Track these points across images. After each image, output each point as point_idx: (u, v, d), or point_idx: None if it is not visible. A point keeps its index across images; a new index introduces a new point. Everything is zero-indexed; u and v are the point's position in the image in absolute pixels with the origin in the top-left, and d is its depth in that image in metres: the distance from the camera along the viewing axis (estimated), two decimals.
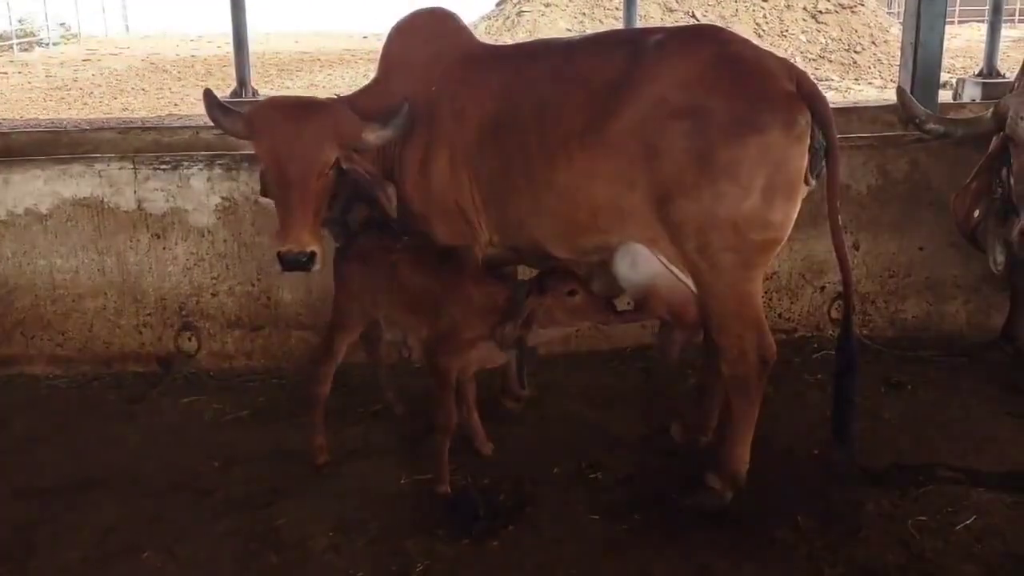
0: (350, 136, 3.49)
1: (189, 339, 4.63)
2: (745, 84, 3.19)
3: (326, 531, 3.33)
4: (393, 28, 3.79)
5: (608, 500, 3.50)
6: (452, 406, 3.51)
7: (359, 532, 3.33)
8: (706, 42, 3.32)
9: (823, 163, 3.26)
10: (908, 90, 4.41)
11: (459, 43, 3.71)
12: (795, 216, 3.28)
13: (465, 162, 3.53)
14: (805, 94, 3.21)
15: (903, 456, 3.76)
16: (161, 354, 4.63)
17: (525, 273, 3.88)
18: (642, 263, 3.41)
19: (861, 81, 20.08)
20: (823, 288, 4.82)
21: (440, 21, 3.76)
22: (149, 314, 4.59)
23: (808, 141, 3.19)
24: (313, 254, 3.41)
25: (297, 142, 3.40)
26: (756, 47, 3.41)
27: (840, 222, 3.35)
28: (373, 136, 3.53)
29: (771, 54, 3.39)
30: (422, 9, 3.82)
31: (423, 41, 3.71)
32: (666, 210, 3.24)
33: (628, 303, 3.65)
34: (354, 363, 4.21)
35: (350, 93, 3.90)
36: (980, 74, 5.69)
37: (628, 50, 3.35)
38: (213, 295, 4.60)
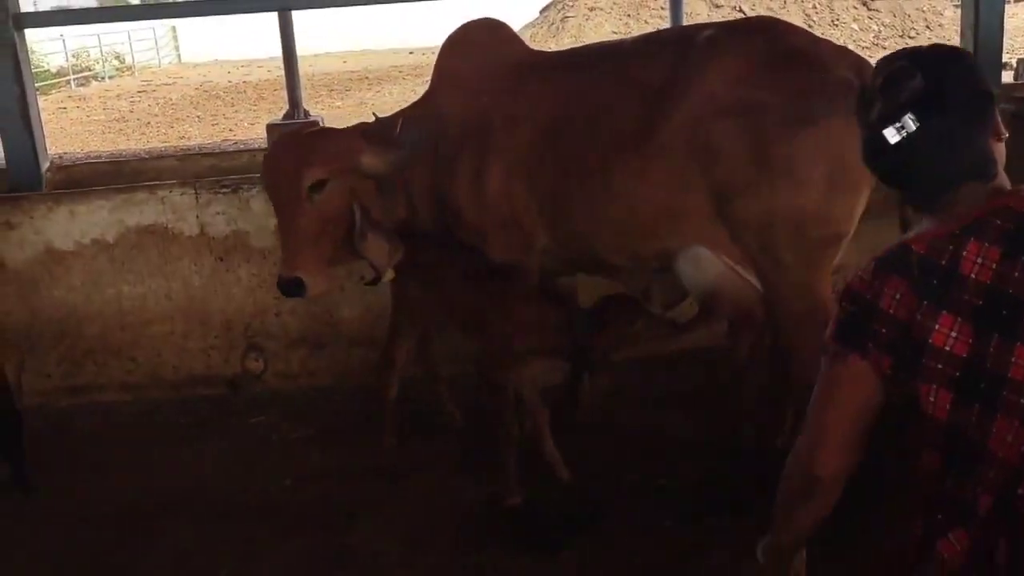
0: (340, 161, 3.46)
1: (255, 360, 4.68)
2: (799, 75, 3.12)
3: (397, 547, 3.34)
4: (446, 41, 3.80)
5: (679, 508, 3.45)
6: (511, 419, 3.48)
7: (430, 547, 3.33)
8: (758, 34, 3.27)
9: None
10: None
11: (511, 52, 3.71)
12: (861, 209, 3.19)
13: (520, 172, 3.51)
14: (864, 79, 3.12)
15: None
16: (228, 376, 4.69)
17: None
18: (706, 264, 3.35)
19: None
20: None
21: (492, 31, 3.77)
22: (216, 337, 4.66)
23: None
24: (297, 281, 3.40)
25: (277, 169, 3.50)
26: (813, 36, 3.33)
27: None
28: (374, 160, 3.47)
29: (829, 43, 3.31)
30: (474, 20, 3.82)
31: (475, 52, 3.71)
32: (725, 210, 3.19)
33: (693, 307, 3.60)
34: (419, 377, 4.24)
35: (401, 109, 3.91)
36: None
37: (678, 48, 3.31)
38: (276, 315, 4.65)
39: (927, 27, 23.10)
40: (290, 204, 3.45)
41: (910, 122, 1.70)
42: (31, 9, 4.83)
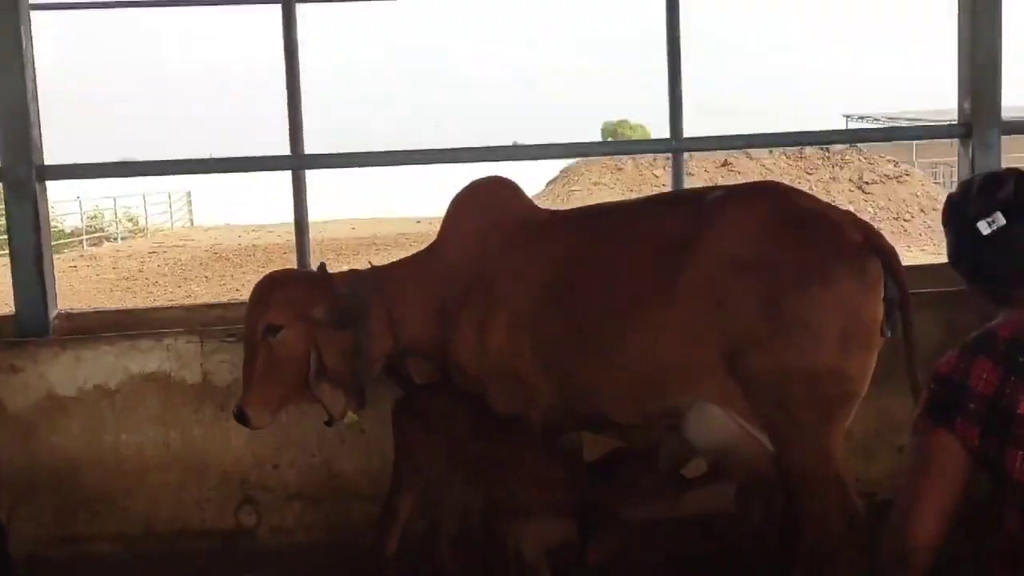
0: (295, 309, 3.57)
1: (249, 514, 4.57)
2: (811, 234, 3.17)
3: None
4: (455, 196, 3.88)
5: None
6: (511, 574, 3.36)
7: None
8: (767, 195, 3.35)
9: (898, 316, 3.19)
10: None
11: (519, 209, 3.78)
12: (872, 369, 3.19)
13: (524, 327, 3.51)
14: (874, 244, 3.19)
15: None
16: (223, 530, 4.57)
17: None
18: (716, 426, 3.30)
19: (913, 248, 20.13)
20: (901, 448, 4.65)
21: (499, 189, 3.84)
22: (211, 489, 4.56)
23: (881, 290, 3.14)
24: (243, 412, 3.58)
25: (248, 308, 3.68)
26: (817, 199, 3.43)
27: (919, 376, 3.18)
28: (320, 314, 3.56)
29: (833, 205, 3.41)
30: (482, 178, 3.92)
31: (482, 208, 3.77)
32: (738, 365, 3.18)
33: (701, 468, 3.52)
34: (415, 533, 4.13)
35: (403, 259, 3.98)
36: None
37: (690, 206, 3.38)
38: (275, 467, 4.56)
39: (921, 210, 23.71)
40: (250, 342, 3.62)
41: (1000, 217, 2.05)
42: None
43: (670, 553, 4.23)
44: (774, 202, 3.30)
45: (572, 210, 4.12)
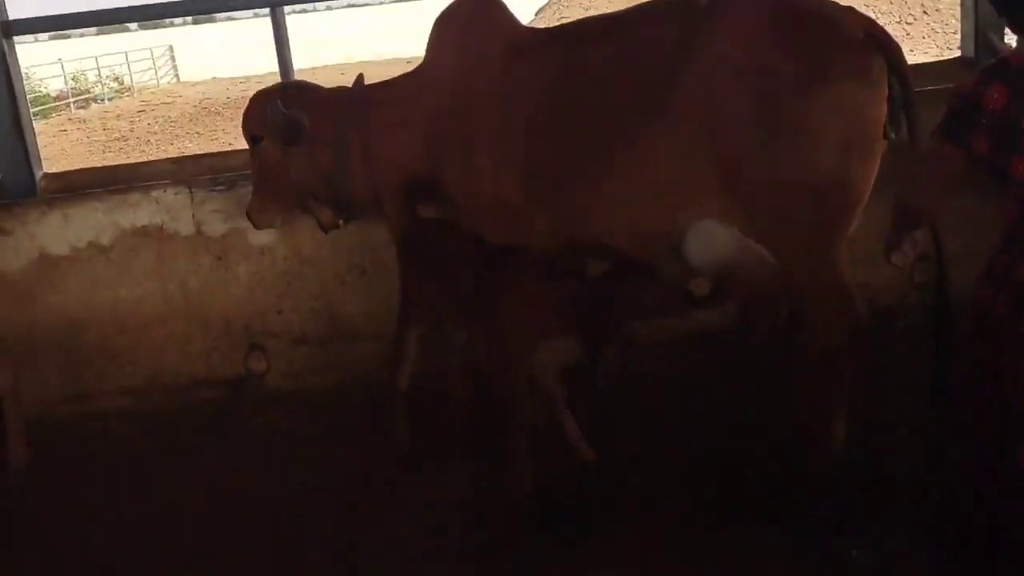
0: (262, 124, 3.67)
1: (259, 360, 4.58)
2: (809, 35, 2.99)
3: (411, 546, 3.24)
4: (438, 16, 3.69)
5: (702, 486, 3.34)
6: (522, 405, 3.34)
7: (444, 544, 3.23)
8: None
9: (903, 116, 3.03)
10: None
11: (504, 28, 3.58)
12: (875, 174, 3.06)
13: (512, 156, 3.39)
14: (877, 41, 3.00)
15: None
16: (231, 378, 4.59)
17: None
18: (716, 242, 3.14)
19: (916, 52, 19.58)
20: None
21: (483, 7, 3.65)
22: (216, 338, 4.56)
23: (885, 90, 2.97)
24: (248, 213, 3.89)
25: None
26: None
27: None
28: (261, 130, 3.68)
29: (836, 3, 3.18)
30: None
31: (466, 28, 3.59)
32: (736, 177, 3.06)
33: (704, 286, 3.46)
34: (424, 372, 4.14)
35: (392, 78, 3.84)
36: None
37: (682, 13, 3.18)
38: (278, 313, 4.54)
39: (924, 12, 22.97)
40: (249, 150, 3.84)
41: None
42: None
43: (675, 369, 4.26)
44: (773, 3, 3.09)
45: (558, 27, 3.91)
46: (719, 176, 3.09)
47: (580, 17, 3.87)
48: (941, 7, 21.99)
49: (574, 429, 3.55)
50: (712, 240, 3.18)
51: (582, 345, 3.22)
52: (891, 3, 22.47)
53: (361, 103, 3.68)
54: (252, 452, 4.08)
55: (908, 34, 21.41)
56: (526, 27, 3.74)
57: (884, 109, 2.99)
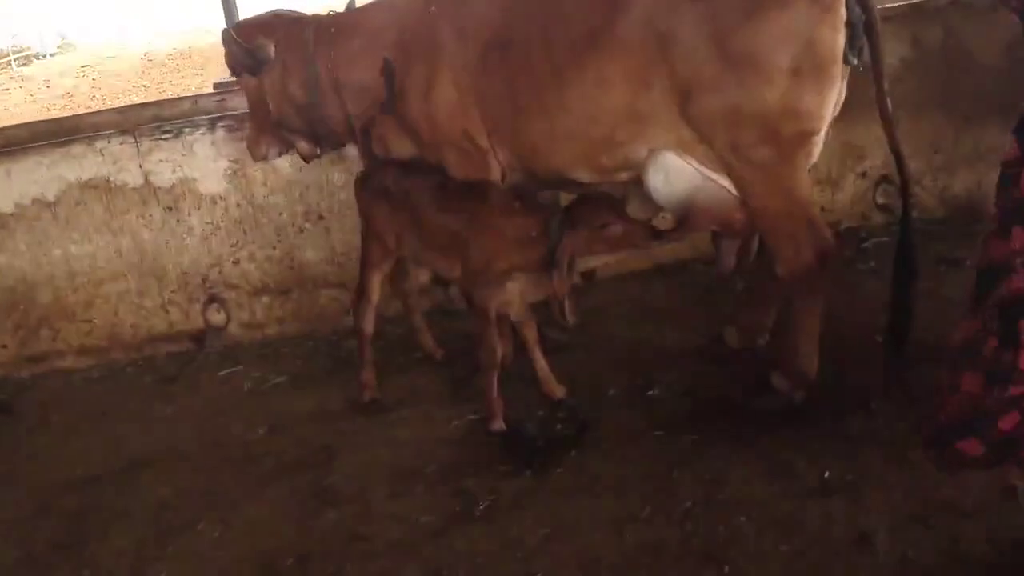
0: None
1: (217, 311, 4.49)
2: None
3: (383, 481, 3.21)
4: None
5: (670, 414, 3.34)
6: (494, 341, 3.33)
7: (417, 478, 3.20)
8: None
9: (863, 39, 2.89)
10: None
11: None
12: (834, 101, 2.97)
13: (470, 86, 3.30)
14: None
15: None
16: (191, 331, 4.50)
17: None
18: (676, 175, 3.13)
19: None
20: (864, 174, 4.59)
21: None
22: (173, 291, 4.45)
23: (843, 12, 2.83)
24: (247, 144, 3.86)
25: None
26: None
27: (889, 104, 3.00)
28: (232, 60, 3.62)
29: None
30: None
31: None
32: (689, 107, 2.96)
33: (669, 219, 3.41)
34: (389, 316, 4.09)
35: (349, 11, 3.74)
36: None
37: None
38: (235, 263, 4.44)
39: None
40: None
41: None
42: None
43: (641, 303, 4.25)
44: None
45: None
46: (672, 107, 3.00)
47: None
48: None
49: (543, 366, 3.51)
50: (671, 173, 3.13)
51: (544, 282, 3.18)
52: None
53: (329, 31, 3.57)
54: (218, 401, 4.02)
55: None
56: None
57: (841, 35, 2.85)
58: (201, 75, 18.42)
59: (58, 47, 29.78)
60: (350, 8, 3.76)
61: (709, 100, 2.92)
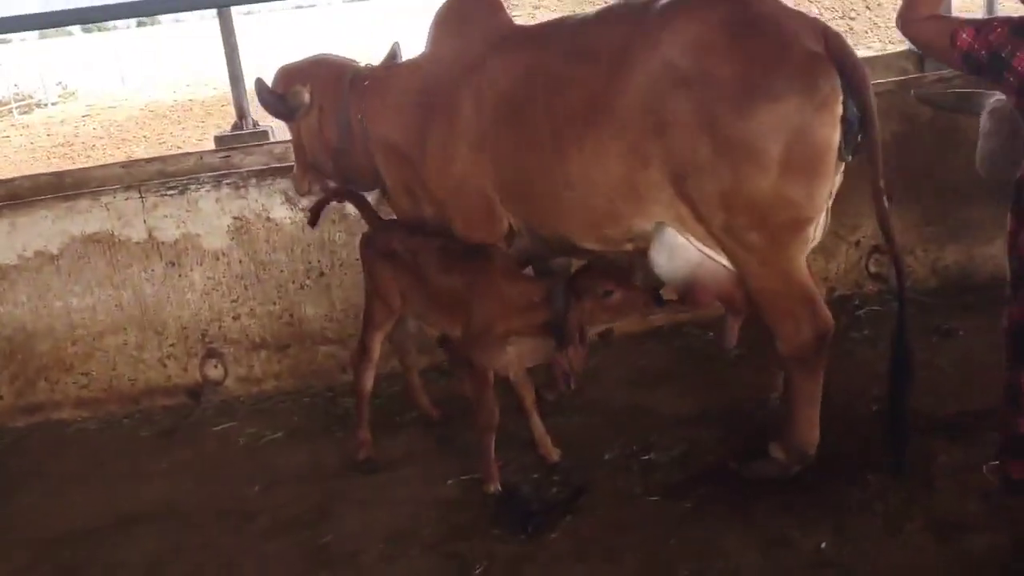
0: None
1: (215, 366, 4.51)
2: (758, 46, 2.88)
3: (378, 542, 3.21)
4: (439, 8, 3.67)
5: (666, 480, 3.35)
6: (492, 404, 3.35)
7: (412, 540, 3.20)
8: (719, 2, 3.02)
9: (859, 136, 2.91)
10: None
11: (492, 25, 3.52)
12: (827, 192, 2.97)
13: (483, 149, 3.35)
14: (834, 55, 2.85)
15: (965, 403, 3.58)
16: (189, 385, 4.52)
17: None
18: (678, 251, 3.15)
19: (859, 46, 19.82)
20: (858, 243, 4.66)
21: (475, 4, 3.60)
22: (172, 345, 4.48)
23: (838, 109, 2.84)
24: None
25: None
26: (779, 5, 3.08)
27: (886, 203, 3.00)
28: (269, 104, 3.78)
29: (798, 13, 3.07)
30: None
31: (459, 23, 3.56)
32: (684, 188, 2.98)
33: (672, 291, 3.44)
34: (385, 375, 4.11)
35: (391, 64, 3.88)
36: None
37: (636, 17, 3.11)
38: (235, 318, 4.48)
39: (867, 7, 23.26)
40: None
41: None
42: None
43: (637, 366, 4.28)
44: (725, 9, 2.97)
45: (534, 26, 3.82)
46: (669, 184, 3.02)
47: (529, 13, 3.86)
48: (883, 2, 22.28)
49: (539, 428, 3.54)
50: (673, 249, 3.15)
51: (551, 344, 3.21)
52: None
53: (363, 83, 3.70)
54: (213, 456, 4.02)
55: (851, 29, 21.66)
56: (512, 24, 3.65)
57: (835, 130, 2.86)
58: (202, 127, 18.61)
59: (59, 96, 30.01)
60: (387, 63, 3.86)
61: (703, 183, 2.95)
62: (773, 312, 3.09)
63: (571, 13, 3.73)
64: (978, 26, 2.67)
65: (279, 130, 5.23)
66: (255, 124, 5.21)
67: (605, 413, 3.89)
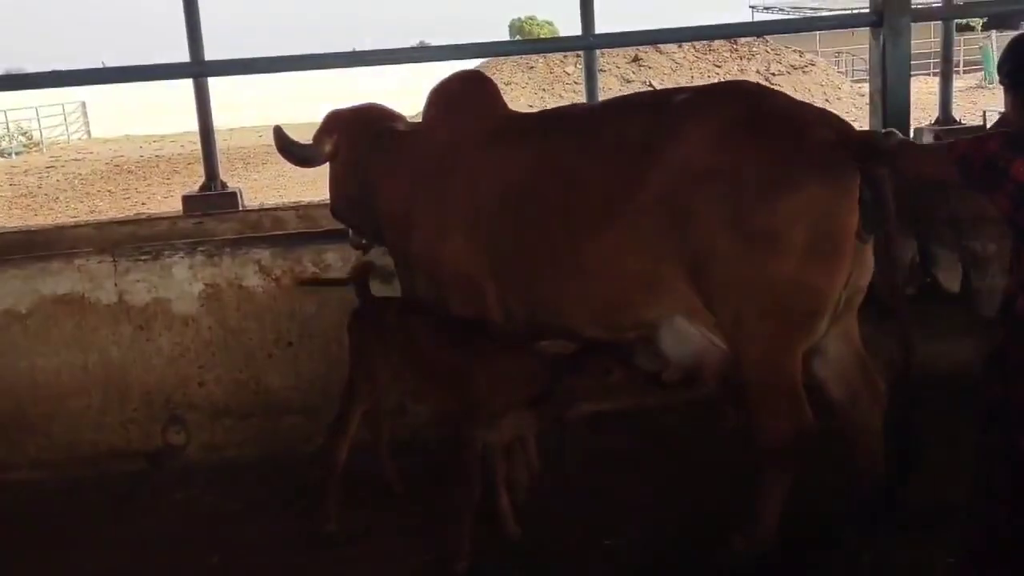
0: None
1: (177, 433, 4.49)
2: (778, 138, 2.98)
3: None
4: (433, 87, 3.77)
5: (627, 566, 3.38)
6: (477, 479, 3.35)
7: None
8: (734, 97, 3.17)
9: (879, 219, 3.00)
10: None
11: (489, 110, 3.63)
12: (843, 282, 3.03)
13: (483, 237, 3.40)
14: (849, 145, 2.96)
15: (921, 500, 3.63)
16: (149, 450, 4.49)
17: None
18: (687, 338, 3.22)
19: None
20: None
21: (476, 85, 3.74)
22: (135, 409, 4.46)
23: (855, 195, 2.94)
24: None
25: None
26: (791, 98, 3.25)
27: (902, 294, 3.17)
28: None
29: (810, 105, 3.22)
30: (462, 72, 3.85)
31: (455, 105, 3.66)
32: (700, 279, 3.05)
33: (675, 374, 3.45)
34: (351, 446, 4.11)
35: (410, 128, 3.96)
36: (937, 122, 5.71)
37: (653, 111, 3.20)
38: (200, 385, 4.48)
39: (826, 100, 23.99)
40: None
41: None
42: None
43: (600, 449, 4.30)
44: (740, 105, 3.09)
45: (541, 112, 3.88)
46: (685, 275, 3.07)
47: (501, 88, 3.97)
48: (842, 96, 22.99)
49: (506, 504, 3.56)
50: (682, 339, 3.21)
51: (539, 421, 3.25)
52: (795, 90, 23.38)
53: (380, 139, 3.81)
54: (172, 525, 3.99)
55: None
56: (510, 111, 3.76)
57: (854, 215, 2.95)
58: (168, 184, 18.60)
59: (24, 146, 29.86)
60: (414, 123, 3.95)
61: (722, 271, 3.00)
62: (755, 401, 3.12)
63: (571, 103, 3.81)
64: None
65: (247, 192, 5.30)
66: (223, 185, 5.27)
67: (566, 495, 3.90)
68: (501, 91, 3.92)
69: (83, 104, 34.61)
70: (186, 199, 5.27)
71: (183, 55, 4.94)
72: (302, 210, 5.37)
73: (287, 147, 3.88)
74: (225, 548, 3.73)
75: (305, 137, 4.06)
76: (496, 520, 3.56)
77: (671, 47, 26.40)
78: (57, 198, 18.20)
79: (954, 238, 4.48)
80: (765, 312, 2.99)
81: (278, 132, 3.86)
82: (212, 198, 5.13)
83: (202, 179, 5.27)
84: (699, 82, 23.50)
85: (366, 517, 3.85)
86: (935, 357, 4.71)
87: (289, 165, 4.25)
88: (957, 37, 14.31)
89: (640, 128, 3.17)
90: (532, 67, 27.48)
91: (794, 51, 28.11)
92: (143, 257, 4.39)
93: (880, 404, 3.31)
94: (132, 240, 4.76)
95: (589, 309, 3.30)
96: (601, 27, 5.15)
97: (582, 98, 5.47)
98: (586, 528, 3.63)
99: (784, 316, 3.01)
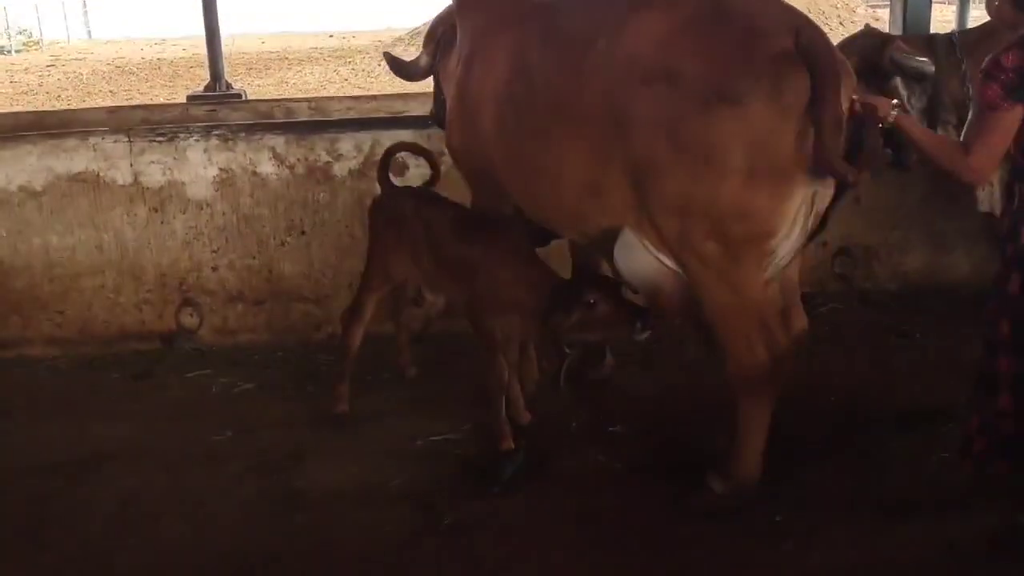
0: None
1: (190, 315, 4.54)
2: (725, 43, 2.69)
3: (349, 491, 3.30)
4: None
5: (630, 451, 3.46)
6: (501, 366, 3.42)
7: (382, 490, 3.29)
8: None
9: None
10: None
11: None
12: (793, 207, 2.77)
13: (501, 121, 3.27)
14: (809, 56, 2.63)
15: (918, 401, 3.75)
16: (163, 331, 4.55)
17: None
18: (637, 254, 3.00)
19: None
20: (824, 244, 4.80)
21: None
22: (149, 291, 4.51)
23: (803, 117, 2.63)
24: None
25: None
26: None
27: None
28: None
29: (778, 5, 2.84)
30: None
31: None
32: (641, 190, 2.85)
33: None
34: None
35: None
36: None
37: (608, 3, 3.00)
38: (214, 269, 4.52)
39: (840, 23, 23.60)
40: None
41: None
42: None
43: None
44: (700, 1, 2.81)
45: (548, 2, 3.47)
46: (628, 185, 2.88)
47: None
48: (856, 18, 22.62)
49: (517, 391, 3.64)
50: (632, 252, 3.02)
51: (532, 327, 3.32)
52: (808, 12, 22.92)
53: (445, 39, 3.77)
54: (186, 401, 4.06)
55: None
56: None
57: (801, 139, 2.66)
58: (171, 87, 18.38)
59: (23, 44, 29.44)
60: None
61: (660, 185, 2.81)
62: (723, 327, 2.94)
63: None
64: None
65: (252, 93, 5.25)
66: (228, 87, 5.23)
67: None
68: None
69: (84, 2, 34.02)
70: (191, 98, 5.23)
71: None
72: (314, 102, 5.35)
73: (397, 68, 3.91)
74: (238, 423, 3.81)
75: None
76: (508, 406, 3.64)
77: None
78: (59, 96, 17.95)
79: None
80: (707, 233, 2.78)
81: (388, 56, 3.96)
82: (217, 98, 5.10)
83: (206, 82, 5.23)
84: None
85: (374, 401, 3.93)
86: (944, 267, 4.82)
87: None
88: None
89: (590, 22, 2.98)
90: None
91: None
92: (158, 139, 4.39)
93: (791, 339, 3.09)
94: (145, 124, 4.75)
95: (561, 214, 3.20)
96: None
97: None
98: (592, 415, 3.71)
99: (728, 240, 2.78)
